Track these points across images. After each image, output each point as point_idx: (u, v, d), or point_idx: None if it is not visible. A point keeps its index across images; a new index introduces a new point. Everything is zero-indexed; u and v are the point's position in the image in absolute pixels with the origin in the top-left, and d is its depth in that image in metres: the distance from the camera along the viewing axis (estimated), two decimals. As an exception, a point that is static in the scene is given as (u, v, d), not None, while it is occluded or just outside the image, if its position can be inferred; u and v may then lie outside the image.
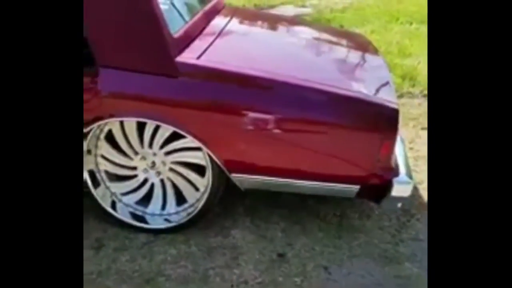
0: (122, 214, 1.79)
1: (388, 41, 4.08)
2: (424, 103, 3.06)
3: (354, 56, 2.04)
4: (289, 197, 1.93)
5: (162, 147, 1.66)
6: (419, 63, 3.56)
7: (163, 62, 1.52)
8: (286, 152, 1.59)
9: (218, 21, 2.01)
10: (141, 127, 1.63)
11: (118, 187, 1.79)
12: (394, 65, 3.45)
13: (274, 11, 5.47)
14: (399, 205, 1.67)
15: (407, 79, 3.27)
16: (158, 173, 1.73)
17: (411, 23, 4.86)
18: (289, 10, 5.64)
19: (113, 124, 1.64)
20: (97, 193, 1.76)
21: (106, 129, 1.66)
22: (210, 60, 1.59)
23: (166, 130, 1.60)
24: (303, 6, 5.99)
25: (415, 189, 2.05)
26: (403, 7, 5.57)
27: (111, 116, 1.59)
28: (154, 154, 1.68)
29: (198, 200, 1.73)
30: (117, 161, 1.72)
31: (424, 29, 4.67)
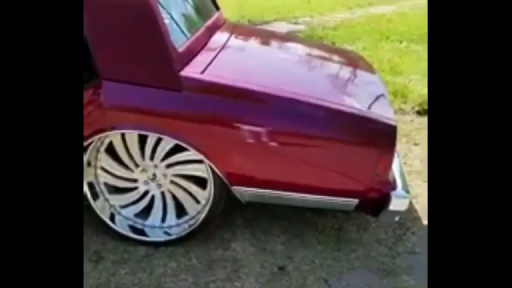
0: (121, 226, 1.78)
1: (379, 58, 4.19)
2: (416, 119, 3.14)
3: (352, 73, 2.10)
4: (287, 210, 1.95)
5: (163, 159, 1.67)
6: (410, 81, 3.66)
7: (168, 76, 1.55)
8: (287, 165, 1.62)
9: (220, 37, 2.06)
10: (142, 139, 1.65)
11: (118, 200, 1.79)
12: (386, 82, 3.52)
13: (267, 27, 5.57)
14: (397, 218, 1.71)
15: (398, 96, 3.36)
16: (159, 185, 1.74)
17: (401, 42, 5.01)
18: (282, 27, 5.76)
19: (114, 136, 1.65)
20: (96, 205, 1.75)
21: (107, 141, 1.67)
22: (214, 74, 1.62)
23: (168, 143, 1.62)
24: (296, 23, 6.13)
25: (410, 203, 2.10)
26: (393, 26, 5.74)
27: (113, 128, 1.60)
28: (155, 167, 1.70)
29: (199, 213, 1.74)
30: (117, 173, 1.73)
31: (414, 47, 4.82)
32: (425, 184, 2.32)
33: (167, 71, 1.55)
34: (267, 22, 5.99)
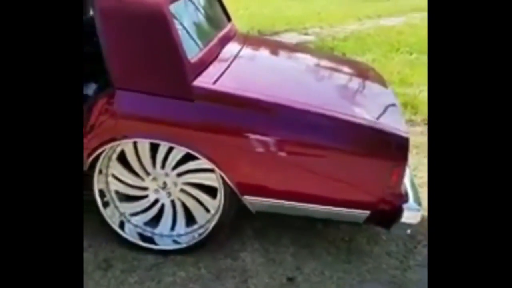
0: (130, 234, 1.78)
1: (389, 70, 4.18)
2: (426, 131, 3.12)
3: (364, 84, 2.10)
4: (297, 221, 1.94)
5: (174, 168, 1.68)
6: (420, 92, 3.64)
7: (180, 86, 1.57)
8: (297, 176, 1.62)
9: (231, 48, 2.08)
10: (153, 148, 1.66)
11: (128, 207, 1.80)
12: (396, 94, 3.52)
13: (277, 38, 5.61)
14: (408, 231, 1.69)
15: (408, 108, 3.35)
16: (169, 193, 1.74)
17: (411, 53, 5.01)
18: (292, 38, 5.80)
19: (126, 145, 1.67)
20: (106, 213, 1.77)
21: (118, 150, 1.69)
22: (226, 85, 1.64)
23: (179, 152, 1.63)
24: (306, 34, 6.16)
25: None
26: (403, 38, 5.74)
27: (125, 137, 1.62)
28: (166, 175, 1.70)
29: (208, 222, 1.74)
30: (128, 181, 1.74)
31: (424, 59, 4.80)
32: (437, 197, 2.29)
33: (179, 81, 1.57)
34: (277, 33, 6.03)
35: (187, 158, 1.64)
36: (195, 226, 1.77)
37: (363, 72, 2.31)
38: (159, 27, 1.55)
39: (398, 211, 1.56)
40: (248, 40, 2.35)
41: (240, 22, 6.20)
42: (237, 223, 1.92)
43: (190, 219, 1.78)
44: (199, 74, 1.64)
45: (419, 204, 1.62)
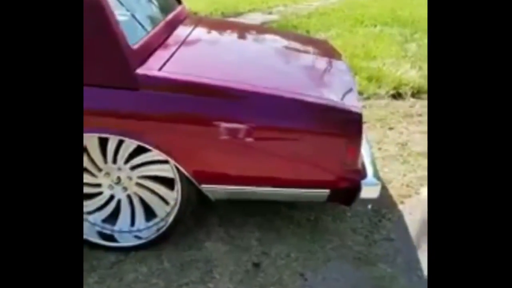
0: (90, 234, 1.71)
1: (353, 44, 4.16)
2: (391, 103, 3.13)
3: (317, 62, 2.05)
4: (263, 205, 1.91)
5: (127, 161, 1.61)
6: (384, 65, 3.65)
7: (123, 75, 1.48)
8: (255, 160, 1.58)
9: (181, 31, 1.99)
10: (103, 142, 1.58)
11: (83, 206, 1.72)
12: (360, 67, 3.52)
13: (241, 19, 5.50)
14: (369, 206, 1.69)
15: (373, 81, 3.34)
16: (125, 188, 1.67)
17: (375, 26, 4.99)
18: (256, 18, 5.69)
19: (74, 141, 1.58)
20: (62, 213, 1.68)
21: (67, 147, 1.60)
22: (172, 71, 1.56)
23: (130, 145, 1.56)
24: (270, 13, 6.06)
25: (385, 189, 2.08)
26: (367, 11, 5.72)
27: (72, 132, 1.53)
28: (119, 169, 1.63)
29: (168, 214, 1.69)
30: (80, 179, 1.66)
31: (388, 30, 4.81)
32: (401, 168, 2.31)
33: (121, 70, 1.48)
34: (240, 14, 5.91)
35: (140, 150, 1.57)
36: (156, 220, 1.72)
37: (316, 48, 2.26)
38: (94, 13, 1.45)
39: (357, 188, 1.55)
40: (200, 22, 2.26)
41: (203, 4, 6.05)
42: (202, 212, 1.88)
43: (150, 213, 1.72)
44: (143, 61, 1.56)
45: (378, 178, 1.61)
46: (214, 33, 2.28)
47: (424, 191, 2.12)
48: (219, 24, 2.76)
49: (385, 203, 1.99)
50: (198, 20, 2.26)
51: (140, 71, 1.50)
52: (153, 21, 1.89)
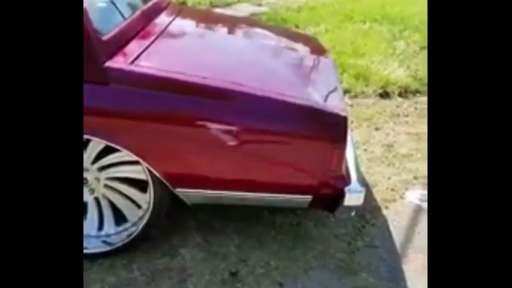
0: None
1: (342, 40, 4.07)
2: (378, 103, 3.06)
3: (303, 60, 1.95)
4: (244, 208, 1.80)
5: (94, 162, 1.49)
6: (373, 63, 3.56)
7: (91, 68, 1.35)
8: (233, 163, 1.48)
9: (160, 22, 1.86)
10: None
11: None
12: (347, 65, 3.43)
13: (230, 10, 5.35)
14: (353, 213, 1.61)
15: (360, 79, 3.26)
16: (92, 190, 1.55)
17: (364, 22, 4.90)
18: (245, 9, 5.54)
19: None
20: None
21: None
22: (146, 65, 1.44)
23: (97, 144, 1.44)
24: (260, 4, 5.91)
25: (369, 192, 2.01)
26: (358, 6, 5.62)
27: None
28: (86, 170, 1.51)
29: (140, 218, 1.58)
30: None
31: (377, 27, 4.72)
32: (386, 170, 2.24)
33: (89, 63, 1.35)
34: (229, 5, 5.75)
35: (108, 150, 1.45)
36: (127, 225, 1.60)
37: (303, 45, 2.16)
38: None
39: (341, 194, 1.47)
40: (182, 12, 2.12)
41: (189, -7, 5.85)
42: (178, 215, 1.77)
43: (120, 217, 1.60)
44: (114, 53, 1.43)
45: (362, 184, 1.53)
46: (196, 25, 2.15)
47: (408, 196, 2.06)
48: (202, 15, 2.63)
49: (369, 208, 1.92)
50: (179, 10, 2.13)
51: (110, 64, 1.38)
52: (129, 10, 1.75)
